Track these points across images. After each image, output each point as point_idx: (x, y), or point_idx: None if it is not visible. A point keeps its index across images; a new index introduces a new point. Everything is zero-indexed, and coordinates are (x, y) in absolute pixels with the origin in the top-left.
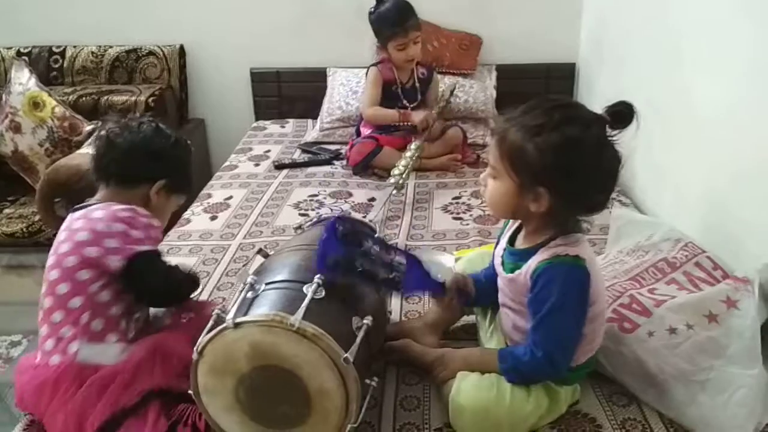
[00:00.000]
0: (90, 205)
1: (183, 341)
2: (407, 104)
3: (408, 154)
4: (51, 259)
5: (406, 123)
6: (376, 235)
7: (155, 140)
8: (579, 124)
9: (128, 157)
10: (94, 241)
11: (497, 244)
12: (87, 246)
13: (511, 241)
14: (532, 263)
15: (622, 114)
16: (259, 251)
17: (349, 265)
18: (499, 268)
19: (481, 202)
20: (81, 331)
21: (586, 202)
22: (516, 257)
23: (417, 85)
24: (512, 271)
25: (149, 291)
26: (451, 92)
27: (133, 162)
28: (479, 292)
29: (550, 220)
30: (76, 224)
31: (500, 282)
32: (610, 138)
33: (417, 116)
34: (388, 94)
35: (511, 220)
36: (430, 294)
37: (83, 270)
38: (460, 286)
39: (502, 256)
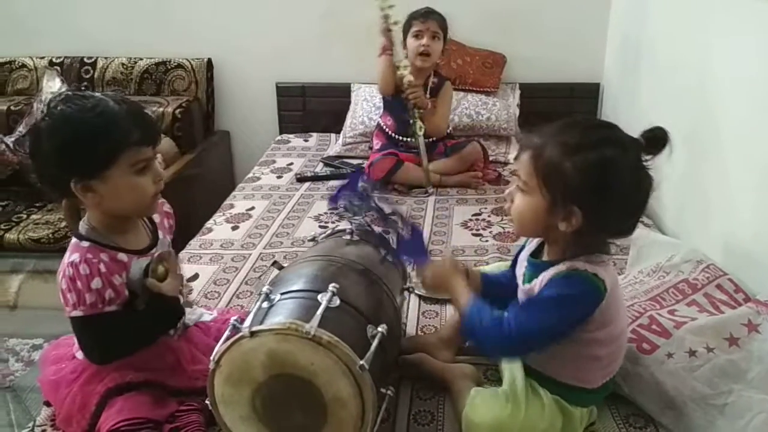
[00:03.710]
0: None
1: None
2: (417, 111)
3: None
4: None
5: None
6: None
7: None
8: (617, 145)
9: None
10: None
11: (519, 253)
12: None
13: (535, 254)
14: (548, 274)
15: (657, 139)
16: (274, 263)
17: (356, 209)
18: (519, 280)
19: (501, 219)
20: None
21: (616, 225)
22: (537, 269)
23: (427, 94)
24: (530, 280)
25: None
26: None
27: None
28: (487, 284)
29: (577, 240)
30: None
31: (520, 295)
32: (644, 163)
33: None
34: (398, 100)
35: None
36: (415, 263)
37: None
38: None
39: (525, 268)
